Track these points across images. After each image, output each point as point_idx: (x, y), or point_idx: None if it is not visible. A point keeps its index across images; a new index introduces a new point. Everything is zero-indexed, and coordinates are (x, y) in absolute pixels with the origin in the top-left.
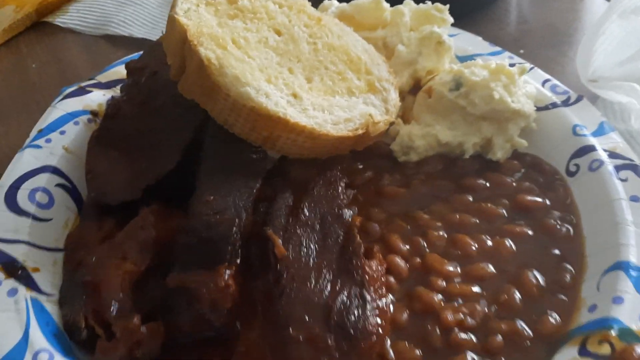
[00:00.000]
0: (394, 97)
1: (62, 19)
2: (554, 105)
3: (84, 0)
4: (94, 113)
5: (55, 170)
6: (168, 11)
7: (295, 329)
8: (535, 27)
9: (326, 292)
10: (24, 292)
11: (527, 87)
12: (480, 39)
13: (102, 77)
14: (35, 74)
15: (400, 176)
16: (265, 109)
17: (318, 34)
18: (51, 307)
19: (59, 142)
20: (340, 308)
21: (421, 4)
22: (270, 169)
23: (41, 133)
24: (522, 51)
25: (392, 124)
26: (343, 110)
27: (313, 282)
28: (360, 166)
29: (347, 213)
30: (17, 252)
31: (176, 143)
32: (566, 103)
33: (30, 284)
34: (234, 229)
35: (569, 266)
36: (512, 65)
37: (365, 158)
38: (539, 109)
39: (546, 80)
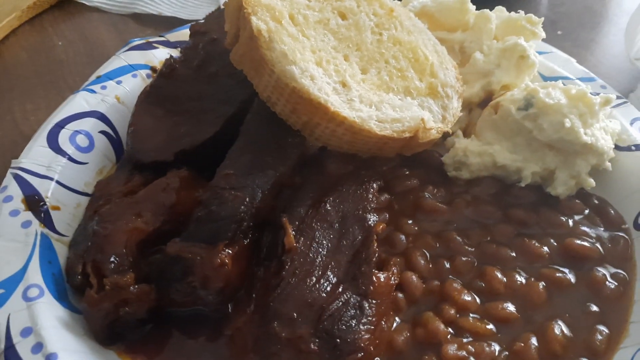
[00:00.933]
0: (455, 106)
1: None
2: (638, 147)
3: None
4: (153, 69)
5: (102, 117)
6: None
7: (280, 325)
8: (571, 9)
9: (324, 294)
10: (36, 227)
11: (610, 122)
12: (574, 61)
13: (171, 36)
14: (62, 52)
15: (445, 192)
16: (306, 92)
17: (386, 24)
18: (60, 247)
19: (113, 91)
20: (333, 314)
21: (513, 13)
22: (307, 157)
23: (99, 79)
24: (559, 32)
25: (448, 134)
26: (394, 109)
27: (314, 280)
28: (407, 172)
29: (372, 218)
30: (44, 187)
31: (219, 113)
32: None
33: (46, 221)
34: (242, 207)
35: (605, 329)
36: (597, 94)
37: (415, 165)
38: (619, 148)
39: (637, 119)
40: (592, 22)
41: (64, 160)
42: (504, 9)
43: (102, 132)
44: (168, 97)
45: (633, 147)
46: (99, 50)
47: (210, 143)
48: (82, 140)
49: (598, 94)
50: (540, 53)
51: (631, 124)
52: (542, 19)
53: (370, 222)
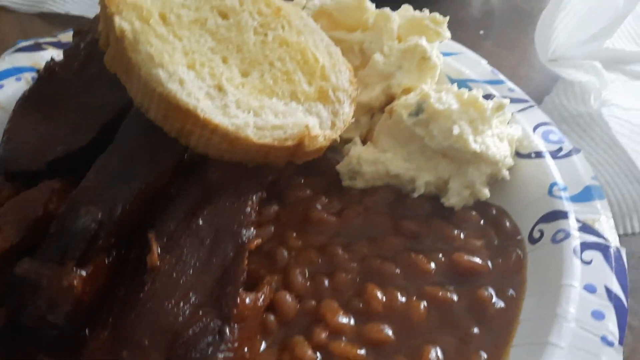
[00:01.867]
0: (346, 111)
1: None
2: (539, 155)
3: None
4: (39, 72)
5: None
6: None
7: (129, 353)
8: (498, 7)
9: (181, 318)
10: None
11: (510, 127)
12: (484, 62)
13: (64, 36)
14: None
15: (338, 202)
16: (174, 97)
17: (272, 24)
18: None
19: None
20: (188, 340)
21: (417, 11)
22: (187, 166)
23: None
24: (482, 32)
25: (342, 141)
26: (275, 115)
27: (173, 303)
28: (302, 181)
29: (247, 233)
30: None
31: (96, 119)
32: (555, 154)
33: None
34: (93, 224)
35: (484, 354)
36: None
37: (311, 173)
38: (520, 155)
39: (540, 124)
40: (516, 21)
41: None
42: (410, 7)
43: None
44: (47, 101)
45: (533, 154)
46: (3, 50)
47: (87, 151)
48: None
49: (506, 97)
50: (448, 55)
51: (534, 129)
52: (447, 17)
53: (243, 238)
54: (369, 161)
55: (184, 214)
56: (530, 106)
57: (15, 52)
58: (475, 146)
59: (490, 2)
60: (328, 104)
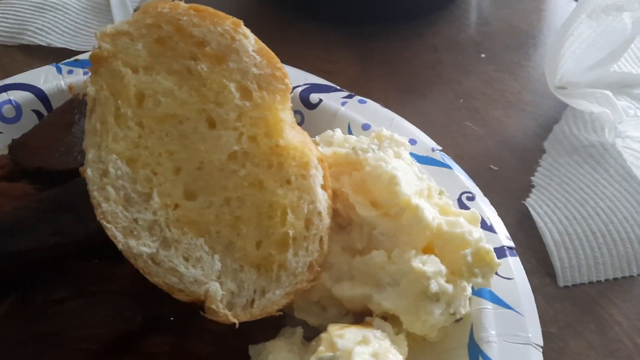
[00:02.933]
0: (275, 298)
1: None
2: None
3: None
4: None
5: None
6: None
7: None
8: (497, 28)
9: None
10: None
11: None
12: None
13: None
14: None
15: None
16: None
17: (257, 159)
18: None
19: None
20: None
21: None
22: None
23: None
24: (483, 55)
25: None
26: (186, 258)
27: None
28: None
29: None
30: None
31: None
32: None
33: None
34: None
35: None
36: None
37: None
38: None
39: None
40: (517, 43)
41: None
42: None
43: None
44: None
45: None
46: None
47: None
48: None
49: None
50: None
51: None
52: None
53: None
54: None
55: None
56: None
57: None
58: None
59: (489, 22)
60: (263, 277)
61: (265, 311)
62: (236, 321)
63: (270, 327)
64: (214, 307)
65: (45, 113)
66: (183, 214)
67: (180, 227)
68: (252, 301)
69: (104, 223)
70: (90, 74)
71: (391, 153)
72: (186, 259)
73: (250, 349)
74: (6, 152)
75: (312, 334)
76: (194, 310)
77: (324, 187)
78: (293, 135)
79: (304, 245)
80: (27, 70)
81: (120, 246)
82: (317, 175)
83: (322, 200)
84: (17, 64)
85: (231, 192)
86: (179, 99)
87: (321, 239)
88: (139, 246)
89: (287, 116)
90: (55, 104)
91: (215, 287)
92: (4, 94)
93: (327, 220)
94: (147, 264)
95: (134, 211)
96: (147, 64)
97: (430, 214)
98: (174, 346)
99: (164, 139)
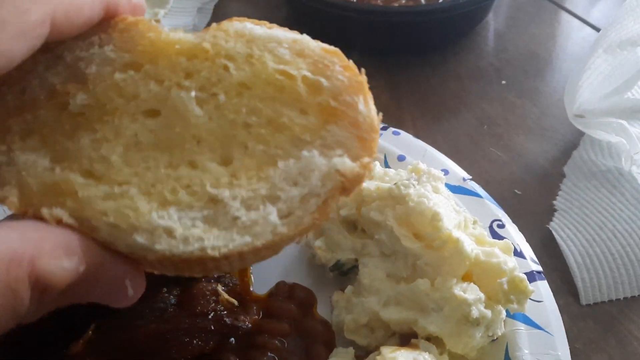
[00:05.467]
0: (363, 110)
1: None
2: None
3: None
4: None
5: None
6: None
7: None
8: (515, 55)
9: None
10: None
11: None
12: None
13: None
14: None
15: None
16: (169, 255)
17: (213, 77)
18: None
19: None
20: None
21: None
22: None
23: None
24: (504, 82)
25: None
26: (294, 183)
27: None
28: None
29: None
30: None
31: None
32: None
33: None
34: None
35: None
36: None
37: None
38: None
39: None
40: (536, 69)
41: None
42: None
43: None
44: None
45: None
46: None
47: None
48: None
49: None
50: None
51: None
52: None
53: None
54: None
55: None
56: None
57: None
58: None
59: (508, 49)
60: (339, 120)
61: (375, 129)
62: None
63: (324, 345)
64: (349, 173)
65: None
66: (247, 170)
67: (259, 175)
68: (361, 139)
69: (217, 256)
70: None
71: (430, 188)
72: (294, 183)
73: None
74: None
75: (361, 352)
76: (253, 332)
77: None
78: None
79: (321, 65)
80: None
81: (254, 244)
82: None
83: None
84: None
85: (239, 118)
86: (107, 137)
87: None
88: (261, 223)
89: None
90: None
91: (338, 161)
92: None
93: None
94: (285, 224)
95: (221, 220)
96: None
97: (469, 246)
98: None
99: (150, 165)
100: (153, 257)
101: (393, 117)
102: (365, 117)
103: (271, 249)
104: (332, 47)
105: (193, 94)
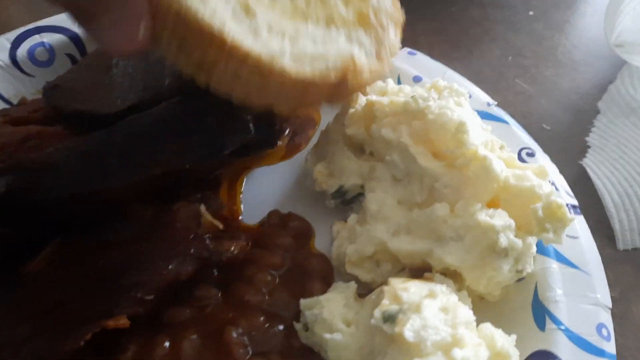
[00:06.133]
0: (392, 37)
1: None
2: None
3: None
4: None
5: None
6: None
7: None
8: None
9: None
10: None
11: None
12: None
13: None
14: None
15: None
16: (194, 16)
17: None
18: None
19: None
20: None
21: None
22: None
23: None
24: (531, 13)
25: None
26: (314, 42)
27: None
28: None
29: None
30: None
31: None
32: None
33: None
34: None
35: None
36: None
37: None
38: None
39: None
40: (568, 1)
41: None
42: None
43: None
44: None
45: None
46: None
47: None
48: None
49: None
50: None
51: None
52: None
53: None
54: None
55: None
56: None
57: None
58: None
59: None
60: (369, 30)
61: (393, 54)
62: (385, 71)
63: (320, 281)
64: (361, 65)
65: (79, 57)
66: (282, 10)
67: (288, 21)
68: (378, 53)
69: (238, 42)
70: None
71: (452, 102)
72: (314, 42)
73: (302, 303)
74: (39, 96)
75: (363, 291)
76: (240, 262)
77: None
78: None
79: None
80: (61, 13)
81: (264, 56)
82: None
83: None
84: (45, 11)
85: None
86: None
87: None
88: (275, 48)
89: None
90: (90, 47)
91: (356, 50)
92: (36, 36)
93: None
94: (292, 63)
95: (246, 23)
96: None
97: (499, 165)
98: (224, 297)
99: None
100: (174, 12)
101: (409, 45)
102: (391, 43)
103: (274, 86)
104: None
105: None
